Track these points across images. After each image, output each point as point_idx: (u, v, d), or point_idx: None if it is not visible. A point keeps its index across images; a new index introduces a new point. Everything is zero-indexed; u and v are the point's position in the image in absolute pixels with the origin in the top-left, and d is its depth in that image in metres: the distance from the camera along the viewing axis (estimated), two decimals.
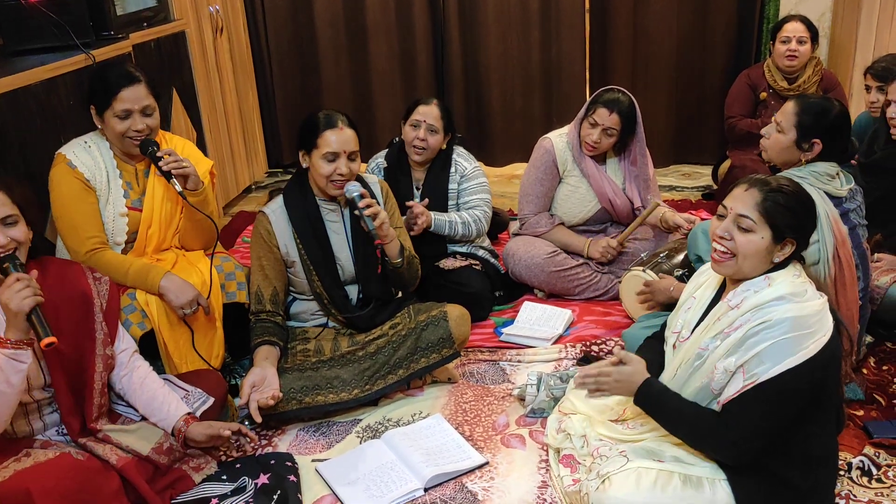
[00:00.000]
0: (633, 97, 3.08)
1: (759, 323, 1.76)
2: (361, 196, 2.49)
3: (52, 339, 1.81)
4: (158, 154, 2.41)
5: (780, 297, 1.77)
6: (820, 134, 2.32)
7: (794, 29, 3.81)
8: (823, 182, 2.32)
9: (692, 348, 1.89)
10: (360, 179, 2.61)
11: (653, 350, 2.12)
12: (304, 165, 2.55)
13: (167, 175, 2.41)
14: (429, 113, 3.07)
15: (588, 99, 3.17)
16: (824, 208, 2.26)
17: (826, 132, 2.32)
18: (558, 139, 3.20)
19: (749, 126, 3.89)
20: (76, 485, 1.84)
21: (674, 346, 1.98)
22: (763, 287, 1.81)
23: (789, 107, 2.38)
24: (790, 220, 1.81)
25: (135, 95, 2.40)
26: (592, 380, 1.95)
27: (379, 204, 2.64)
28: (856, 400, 2.41)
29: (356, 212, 2.50)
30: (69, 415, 2.05)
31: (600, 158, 3.19)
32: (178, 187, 2.41)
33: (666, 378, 1.97)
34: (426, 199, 3.09)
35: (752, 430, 1.76)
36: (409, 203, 2.97)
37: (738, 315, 1.81)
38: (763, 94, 3.94)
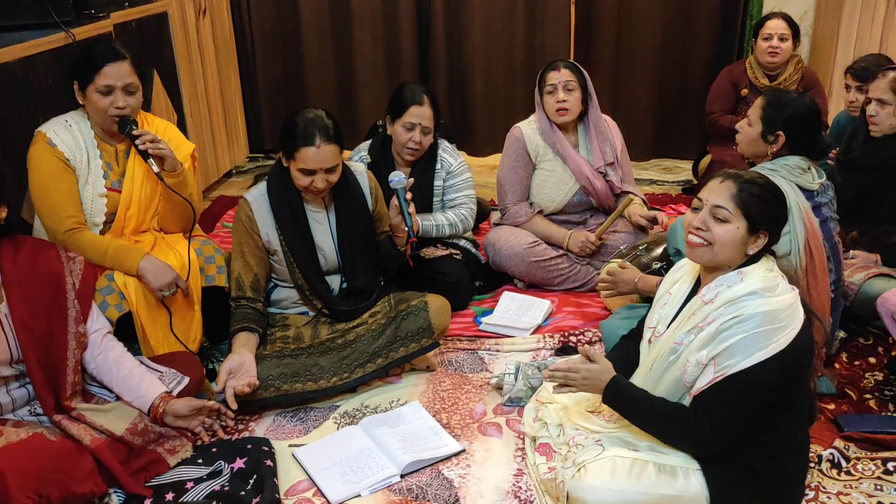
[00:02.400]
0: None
1: (732, 317, 1.79)
2: (405, 189, 2.47)
3: None
4: (135, 132, 2.39)
5: (752, 292, 1.80)
6: (782, 126, 2.38)
7: (776, 26, 3.85)
8: (795, 175, 2.37)
9: (667, 343, 1.91)
10: (345, 168, 2.59)
11: (625, 350, 2.15)
12: (285, 165, 2.51)
13: (144, 155, 2.38)
14: (423, 115, 3.02)
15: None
16: (795, 200, 2.31)
17: (788, 124, 2.38)
18: (527, 126, 3.23)
19: (729, 122, 3.91)
20: (50, 465, 1.84)
21: (649, 341, 2.01)
22: (736, 282, 1.84)
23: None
24: (764, 211, 1.85)
25: (118, 72, 2.38)
26: (561, 374, 1.97)
27: (367, 200, 2.63)
28: (827, 394, 2.44)
29: (397, 202, 2.47)
30: (42, 390, 2.04)
31: (572, 140, 3.21)
32: (156, 168, 2.39)
33: (641, 373, 1.99)
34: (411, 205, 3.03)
35: (721, 422, 1.79)
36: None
37: (711, 310, 1.83)
38: (744, 91, 3.97)
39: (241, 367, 2.34)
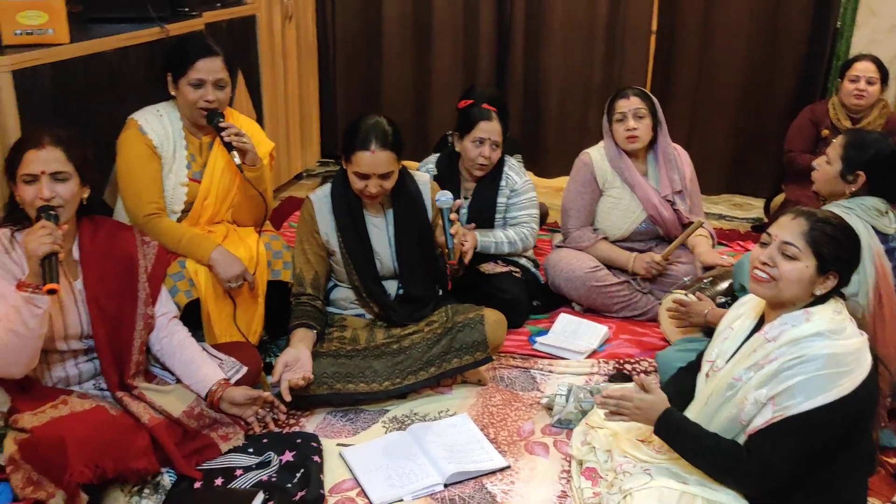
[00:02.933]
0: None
1: (795, 357, 1.74)
2: (451, 210, 2.50)
3: (53, 286, 1.88)
4: (222, 124, 2.47)
5: (817, 333, 1.75)
6: (863, 167, 2.34)
7: (864, 68, 3.75)
8: (871, 216, 2.32)
9: (725, 378, 1.88)
10: (408, 176, 2.63)
11: (681, 382, 2.12)
12: (345, 168, 2.57)
13: (228, 146, 2.46)
14: (493, 130, 3.05)
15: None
16: (868, 241, 2.25)
17: (869, 165, 2.34)
18: (596, 153, 3.23)
19: (807, 162, 3.79)
20: (108, 437, 1.91)
21: (707, 374, 1.97)
22: (801, 321, 1.79)
23: (838, 140, 2.43)
24: (836, 252, 1.80)
25: (210, 67, 2.47)
26: (614, 402, 1.95)
27: (426, 209, 2.65)
28: (890, 447, 2.35)
29: (440, 221, 2.51)
30: (109, 367, 2.13)
31: (641, 168, 3.18)
32: (237, 160, 2.47)
33: (696, 407, 1.96)
34: (472, 224, 3.03)
35: (775, 463, 1.74)
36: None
37: (774, 348, 1.79)
38: (825, 132, 3.88)
39: (297, 361, 2.39)
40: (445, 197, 2.51)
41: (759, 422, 1.77)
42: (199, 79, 2.46)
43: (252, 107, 3.91)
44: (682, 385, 2.10)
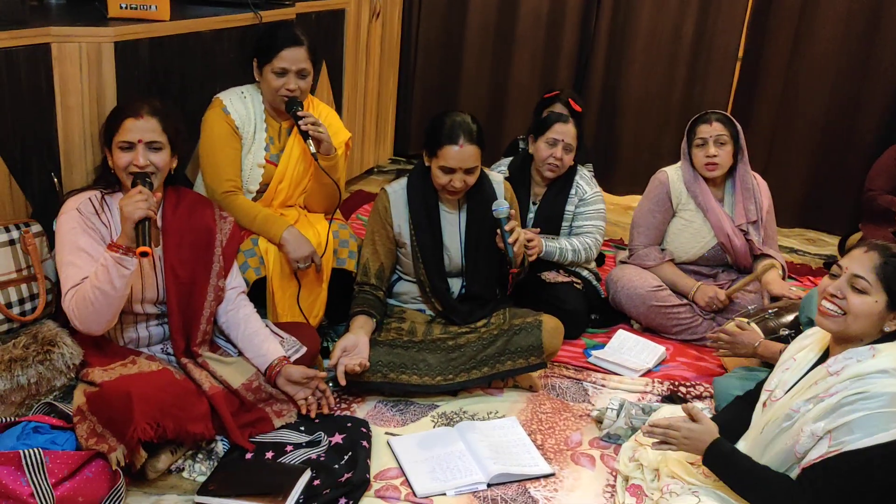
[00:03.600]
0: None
1: (857, 392, 1.70)
2: (508, 219, 2.52)
3: (146, 248, 1.95)
4: (300, 113, 2.54)
5: (883, 370, 1.70)
6: None
7: None
8: None
9: (783, 409, 1.84)
10: (484, 175, 2.66)
11: (738, 411, 2.08)
12: (427, 164, 2.60)
13: (304, 134, 2.53)
14: (567, 132, 3.06)
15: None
16: None
17: None
18: (674, 172, 3.19)
19: (888, 203, 3.72)
20: (171, 399, 1.98)
21: (764, 404, 1.94)
22: (867, 357, 1.74)
23: None
24: None
25: (295, 56, 2.54)
26: (661, 430, 1.93)
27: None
28: None
29: (498, 230, 2.53)
30: (177, 333, 2.21)
31: (717, 194, 3.14)
32: (313, 148, 2.52)
33: (751, 436, 1.92)
34: (538, 228, 3.06)
35: (826, 500, 1.70)
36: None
37: (836, 381, 1.75)
38: None
39: (355, 347, 2.43)
40: (503, 207, 2.53)
41: (814, 455, 1.73)
42: (282, 67, 2.53)
43: (332, 98, 4.00)
44: (736, 413, 2.07)
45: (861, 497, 1.69)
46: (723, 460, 1.86)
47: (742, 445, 1.92)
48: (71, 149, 2.39)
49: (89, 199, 2.14)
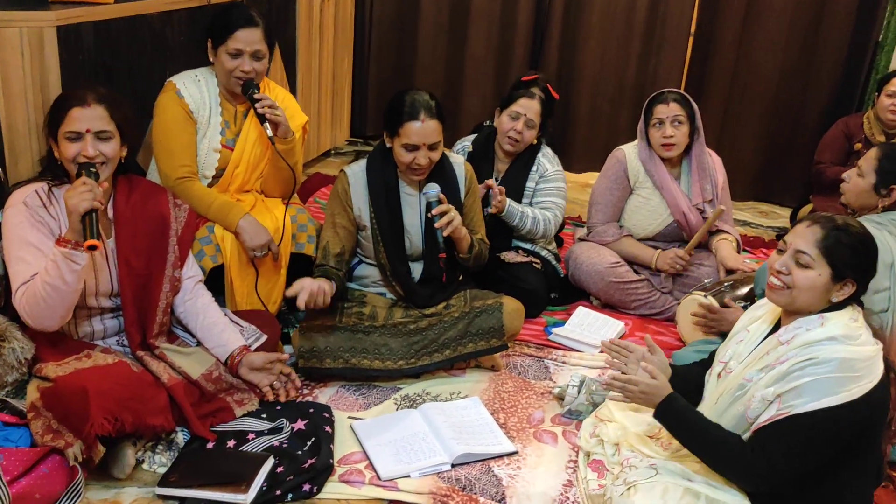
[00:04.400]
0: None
1: (806, 359, 1.75)
2: (439, 202, 2.52)
3: (94, 242, 1.89)
4: (256, 96, 2.50)
5: (831, 338, 1.76)
6: None
7: None
8: None
9: (736, 379, 1.89)
10: (445, 160, 2.65)
11: (690, 371, 2.13)
12: (388, 146, 2.58)
13: (261, 118, 2.49)
14: (530, 107, 3.06)
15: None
16: None
17: None
18: (631, 150, 3.21)
19: (836, 174, 3.77)
20: (129, 392, 1.95)
21: (719, 375, 1.98)
22: (816, 326, 1.80)
23: (872, 152, 2.41)
24: (850, 260, 1.79)
25: (250, 38, 2.49)
26: (620, 384, 1.97)
27: (459, 189, 2.66)
28: None
29: (430, 214, 2.52)
30: (132, 326, 2.17)
31: (674, 172, 3.18)
32: (270, 132, 2.49)
33: (706, 406, 1.97)
34: (503, 188, 3.09)
35: (777, 460, 1.75)
36: (490, 182, 2.95)
37: (787, 350, 1.80)
38: (858, 145, 3.85)
39: (315, 285, 2.36)
40: (431, 191, 2.52)
41: (764, 418, 1.78)
42: (237, 49, 2.49)
43: (286, 80, 3.94)
44: (689, 373, 2.11)
45: (807, 458, 1.74)
46: (674, 415, 1.90)
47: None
48: (15, 138, 2.32)
49: (36, 191, 2.07)
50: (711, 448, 1.85)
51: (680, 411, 1.90)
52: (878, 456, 1.85)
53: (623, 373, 2.01)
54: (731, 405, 1.87)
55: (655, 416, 1.93)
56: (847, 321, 1.80)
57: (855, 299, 1.85)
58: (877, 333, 1.84)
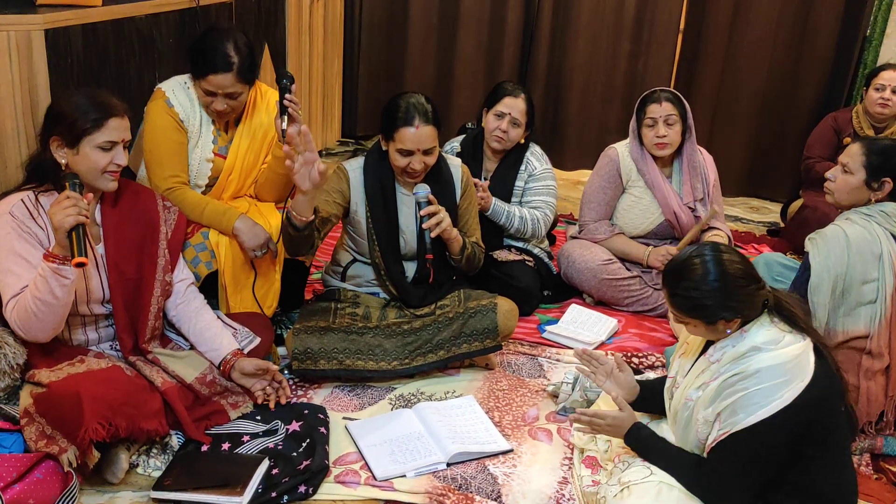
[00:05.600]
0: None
1: (734, 374, 1.78)
2: (428, 202, 2.52)
3: (81, 259, 1.85)
4: (288, 97, 2.39)
5: (754, 347, 1.78)
6: (890, 173, 2.34)
7: (890, 77, 3.73)
8: (891, 223, 2.31)
9: (681, 398, 1.92)
10: (441, 162, 2.64)
11: (661, 388, 2.13)
12: (384, 148, 2.57)
13: (283, 109, 2.39)
14: (514, 106, 3.07)
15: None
16: (888, 248, 2.26)
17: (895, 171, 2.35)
18: (624, 149, 3.22)
19: (825, 169, 3.78)
20: (122, 396, 1.93)
21: (672, 389, 2.00)
22: (739, 341, 1.82)
23: (855, 148, 2.39)
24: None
25: (223, 83, 2.40)
26: (587, 419, 2.01)
27: (455, 191, 2.66)
28: (892, 455, 2.36)
29: (420, 215, 2.52)
30: (123, 332, 2.15)
31: (666, 171, 3.19)
32: (284, 125, 2.39)
33: (671, 423, 2.00)
34: (487, 182, 3.08)
35: (731, 480, 1.77)
36: (473, 179, 2.96)
37: (718, 367, 1.83)
38: (847, 139, 3.86)
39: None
40: (420, 192, 2.52)
41: (711, 439, 1.81)
42: (210, 91, 2.42)
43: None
44: (657, 386, 2.13)
45: (761, 470, 1.76)
46: (641, 443, 1.96)
47: (668, 433, 2.00)
48: (3, 142, 2.31)
49: (22, 201, 2.03)
50: (676, 473, 1.86)
51: (643, 441, 1.96)
52: (844, 428, 1.84)
53: (593, 381, 2.12)
54: (685, 426, 1.90)
55: (626, 443, 1.99)
56: (767, 327, 1.81)
57: (769, 308, 1.84)
58: (819, 338, 1.84)
